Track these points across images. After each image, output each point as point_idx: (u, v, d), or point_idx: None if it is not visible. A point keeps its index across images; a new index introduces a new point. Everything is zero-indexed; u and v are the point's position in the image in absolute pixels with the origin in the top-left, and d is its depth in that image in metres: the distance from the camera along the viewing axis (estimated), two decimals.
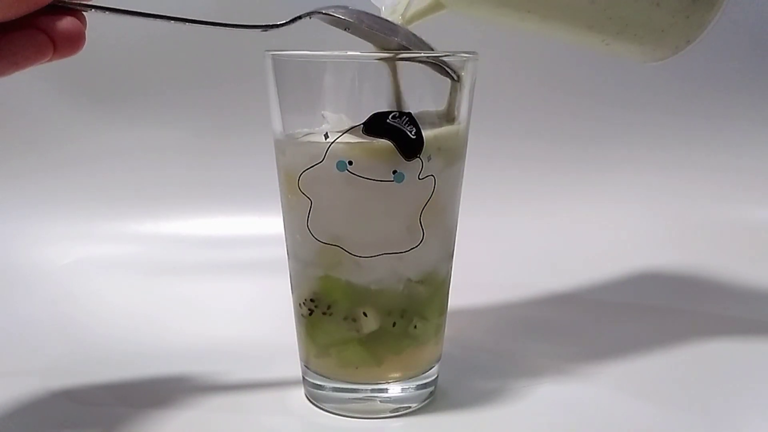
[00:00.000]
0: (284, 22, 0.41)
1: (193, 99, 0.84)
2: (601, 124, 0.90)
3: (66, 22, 0.35)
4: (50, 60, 0.35)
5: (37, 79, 0.81)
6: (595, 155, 0.89)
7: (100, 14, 0.37)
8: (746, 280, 0.69)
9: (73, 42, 0.35)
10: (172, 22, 0.38)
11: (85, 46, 0.36)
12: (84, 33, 0.36)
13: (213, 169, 0.84)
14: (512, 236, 0.81)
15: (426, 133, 0.40)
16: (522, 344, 0.55)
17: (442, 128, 0.42)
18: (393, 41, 0.41)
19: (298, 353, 0.46)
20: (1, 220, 0.79)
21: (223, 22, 0.40)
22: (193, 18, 0.38)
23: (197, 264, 0.74)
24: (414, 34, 0.42)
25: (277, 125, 0.43)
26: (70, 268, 0.73)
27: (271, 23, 0.40)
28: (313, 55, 0.40)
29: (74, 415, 0.44)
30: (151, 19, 0.37)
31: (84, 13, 0.36)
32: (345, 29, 0.41)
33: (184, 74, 0.84)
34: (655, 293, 0.68)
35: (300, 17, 0.41)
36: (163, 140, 0.84)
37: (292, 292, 0.45)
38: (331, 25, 0.41)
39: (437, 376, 0.46)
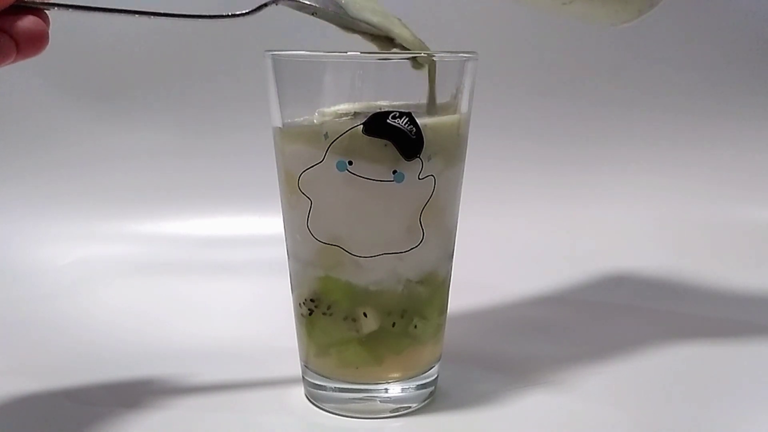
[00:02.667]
0: (250, 10, 0.40)
1: (194, 99, 0.84)
2: (601, 124, 0.90)
3: (28, 22, 0.34)
4: (14, 61, 0.35)
5: (37, 80, 0.81)
6: (596, 156, 0.89)
7: (63, 11, 0.36)
8: (746, 282, 0.69)
9: (36, 42, 0.35)
10: (137, 16, 0.38)
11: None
12: (47, 32, 0.35)
13: (213, 169, 0.84)
14: (512, 236, 0.81)
15: (422, 122, 0.39)
16: (522, 344, 0.55)
17: (432, 119, 0.41)
18: (357, 23, 0.41)
19: (298, 353, 0.46)
20: (1, 220, 0.79)
21: (188, 13, 0.39)
22: (157, 11, 0.38)
23: (197, 264, 0.74)
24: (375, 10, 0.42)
25: (276, 125, 0.43)
26: (70, 268, 0.73)
27: (236, 12, 0.40)
28: (312, 55, 0.40)
29: (74, 415, 0.44)
30: (115, 14, 0.37)
31: (47, 11, 0.36)
32: (312, 14, 0.41)
33: (184, 74, 0.84)
34: (657, 296, 0.68)
35: (266, 5, 0.41)
36: (163, 140, 0.84)
37: (292, 292, 0.45)
38: (297, 10, 0.41)
39: (437, 376, 0.46)
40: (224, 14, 0.40)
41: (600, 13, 0.46)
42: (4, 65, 0.35)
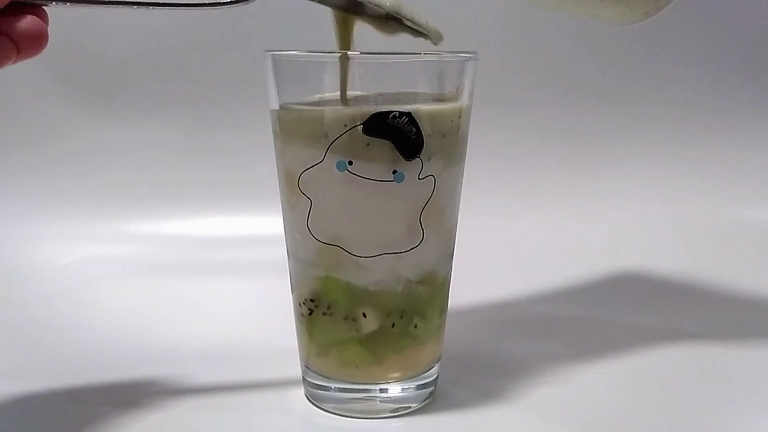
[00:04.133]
0: None
1: (194, 98, 0.84)
2: (603, 123, 0.90)
3: (27, 22, 0.34)
4: (15, 62, 0.35)
5: (37, 78, 0.81)
6: (596, 155, 0.89)
7: (62, 6, 0.36)
8: (749, 282, 0.69)
9: (36, 42, 0.35)
10: (135, 7, 0.37)
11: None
12: (46, 31, 0.35)
13: (213, 169, 0.84)
14: (512, 236, 0.81)
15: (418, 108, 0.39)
16: (522, 344, 0.55)
17: (431, 106, 0.41)
18: (366, 6, 0.41)
19: (298, 353, 0.46)
20: (1, 220, 0.79)
21: (184, 2, 0.39)
22: (155, 1, 0.38)
23: (197, 264, 0.74)
24: None
25: (276, 125, 0.43)
26: (70, 268, 0.73)
27: None
28: (312, 55, 0.40)
29: (74, 415, 0.44)
30: (113, 6, 0.37)
31: (45, 8, 0.35)
32: (317, 1, 0.41)
33: (184, 72, 0.84)
34: (659, 295, 0.68)
35: None
36: (163, 140, 0.84)
37: (292, 292, 0.45)
38: None
39: (437, 376, 0.46)
40: (219, 2, 0.39)
41: (607, 14, 0.46)
42: (5, 66, 0.34)
